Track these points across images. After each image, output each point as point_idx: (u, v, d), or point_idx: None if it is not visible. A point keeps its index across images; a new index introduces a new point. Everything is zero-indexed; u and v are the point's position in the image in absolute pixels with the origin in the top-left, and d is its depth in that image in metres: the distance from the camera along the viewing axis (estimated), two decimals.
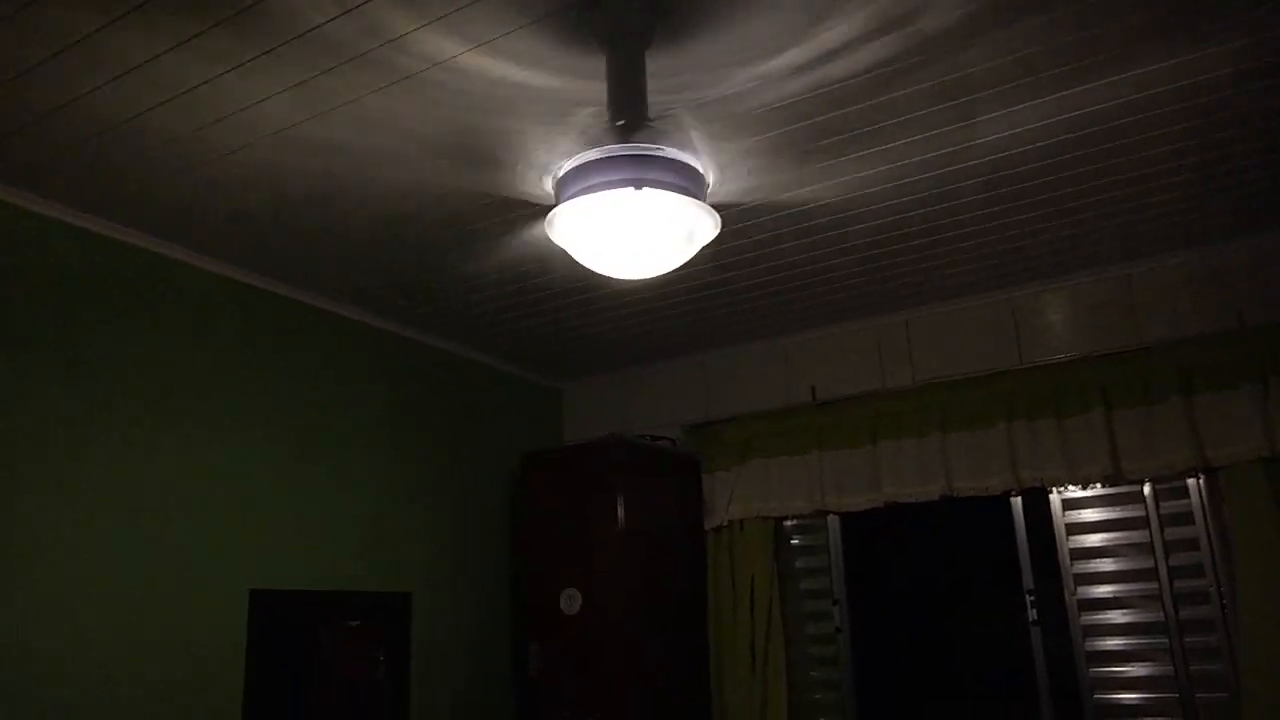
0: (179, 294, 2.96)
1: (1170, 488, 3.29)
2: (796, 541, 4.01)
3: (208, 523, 2.90)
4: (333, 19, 1.92)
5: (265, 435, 3.14)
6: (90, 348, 2.69)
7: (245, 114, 2.24)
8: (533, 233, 2.89)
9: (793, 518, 3.96)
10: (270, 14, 1.89)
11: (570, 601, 3.63)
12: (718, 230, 2.03)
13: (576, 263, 2.15)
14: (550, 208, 1.98)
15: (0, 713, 2.34)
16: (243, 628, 2.94)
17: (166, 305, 2.92)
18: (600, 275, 2.22)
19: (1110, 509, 3.38)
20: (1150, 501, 3.31)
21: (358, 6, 1.88)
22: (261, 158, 2.45)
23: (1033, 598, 3.47)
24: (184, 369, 2.93)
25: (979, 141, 2.50)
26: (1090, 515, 3.42)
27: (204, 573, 2.86)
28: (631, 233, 1.94)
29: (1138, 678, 3.24)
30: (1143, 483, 3.31)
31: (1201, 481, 3.22)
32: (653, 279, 3.13)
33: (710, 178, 2.09)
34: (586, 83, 2.14)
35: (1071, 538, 3.42)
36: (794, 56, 2.09)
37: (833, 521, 3.92)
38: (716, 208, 2.05)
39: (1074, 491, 3.43)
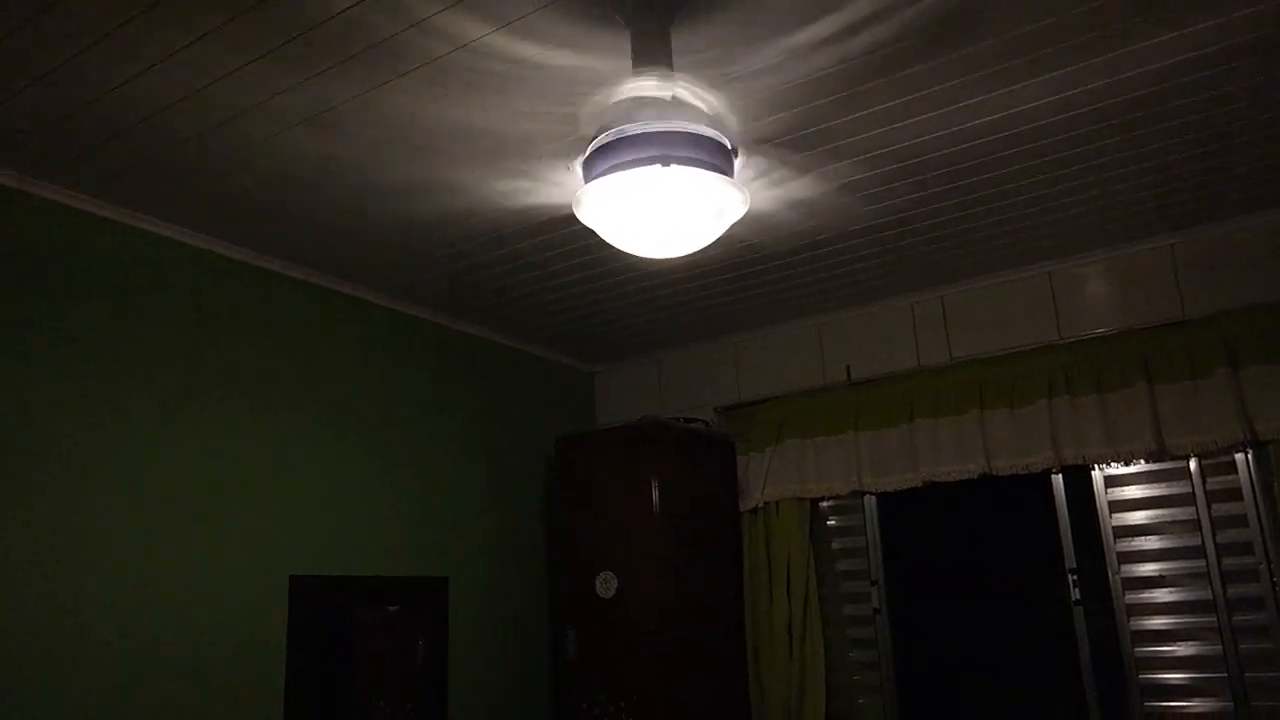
0: (219, 286, 3.00)
1: (1217, 463, 3.21)
2: (833, 522, 3.98)
3: (249, 510, 2.94)
4: (356, 3, 1.91)
5: (305, 423, 3.17)
6: (133, 342, 2.73)
7: (274, 102, 2.25)
8: (563, 215, 2.88)
9: (829, 498, 3.93)
10: (293, 2, 1.89)
11: (606, 585, 3.63)
12: (747, 207, 2.00)
13: (607, 244, 2.14)
14: (578, 188, 1.97)
15: (49, 695, 2.39)
16: (284, 613, 2.98)
17: (208, 298, 2.95)
18: (632, 257, 2.20)
19: (1155, 485, 3.31)
20: (1196, 477, 3.23)
21: None
22: (292, 148, 2.46)
23: (1075, 576, 3.41)
24: (224, 360, 2.96)
25: (1010, 111, 2.44)
26: (1134, 492, 3.35)
27: (245, 559, 2.90)
28: (660, 211, 1.92)
29: (1184, 657, 3.18)
30: (1188, 458, 3.24)
31: (1250, 456, 3.14)
32: (684, 259, 3.10)
33: (738, 154, 2.06)
34: (611, 61, 2.11)
35: (1115, 515, 3.36)
36: (819, 29, 2.05)
37: (869, 502, 3.89)
38: (745, 185, 2.03)
39: (1117, 468, 3.37)
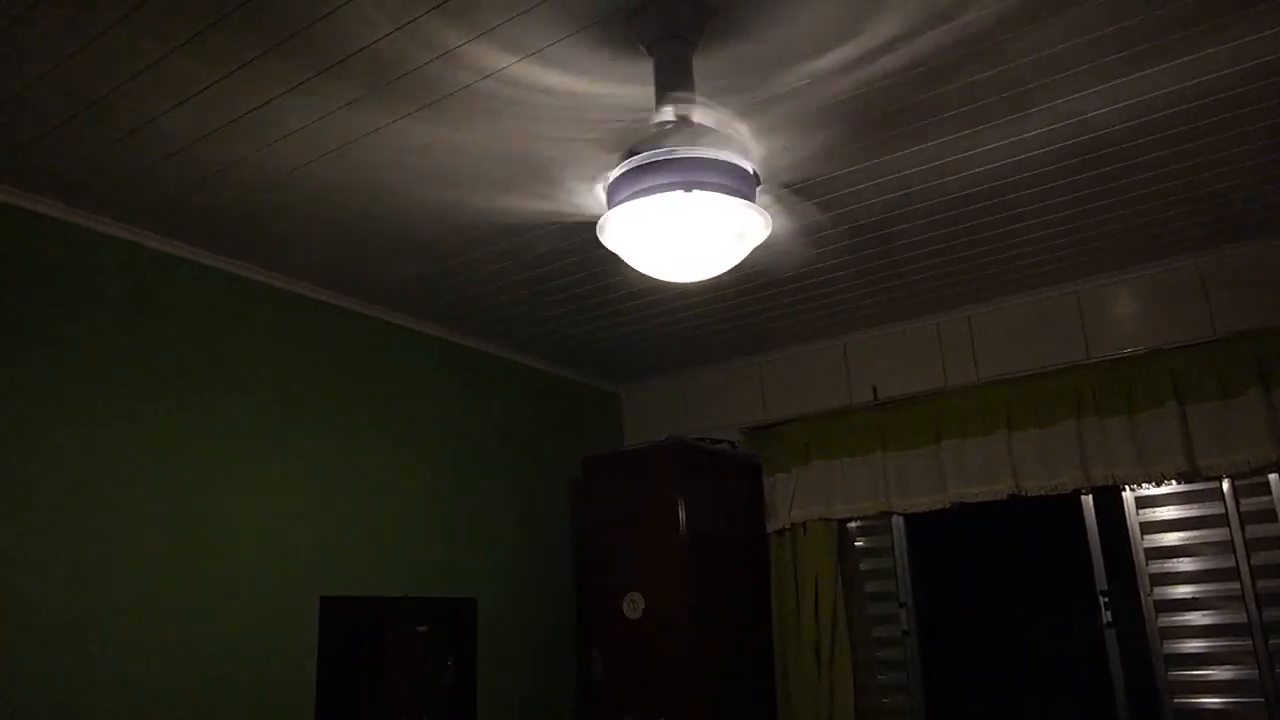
0: (249, 311, 3.06)
1: (1251, 484, 3.17)
2: (861, 544, 3.96)
3: (280, 531, 2.99)
4: (386, 35, 1.96)
5: (334, 445, 3.22)
6: (167, 364, 2.79)
7: (305, 132, 2.30)
8: (587, 239, 2.91)
9: (856, 519, 3.92)
10: (324, 34, 1.94)
11: (633, 606, 3.63)
12: (769, 231, 2.02)
13: (632, 267, 2.17)
14: (602, 214, 2.00)
15: (68, 716, 2.43)
16: (314, 633, 3.01)
17: (240, 322, 3.02)
18: (657, 279, 2.22)
19: (1187, 507, 3.27)
20: (1229, 498, 3.19)
21: (410, 22, 1.92)
22: (322, 175, 2.51)
23: (1106, 599, 3.37)
24: (255, 383, 3.02)
25: (1035, 133, 2.45)
26: (1166, 513, 3.31)
27: (276, 580, 2.94)
28: (683, 236, 1.94)
29: (1220, 681, 3.13)
30: (1221, 479, 3.20)
31: None
32: (709, 281, 3.12)
33: (760, 178, 2.09)
34: (635, 87, 2.15)
35: (1146, 537, 3.32)
36: (842, 54, 2.07)
37: (897, 523, 3.87)
38: (768, 207, 2.05)
39: (1148, 489, 3.33)
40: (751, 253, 2.18)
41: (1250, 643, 3.08)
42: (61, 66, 2.01)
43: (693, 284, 3.26)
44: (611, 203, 1.96)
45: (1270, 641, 3.05)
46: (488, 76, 2.11)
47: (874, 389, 3.89)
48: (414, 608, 3.39)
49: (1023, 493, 3.46)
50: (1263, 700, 3.03)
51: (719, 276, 2.20)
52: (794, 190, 2.68)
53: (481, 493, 3.76)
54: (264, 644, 2.87)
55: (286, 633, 2.94)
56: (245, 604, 2.84)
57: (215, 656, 2.74)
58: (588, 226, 2.81)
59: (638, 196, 1.88)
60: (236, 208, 2.68)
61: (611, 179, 1.97)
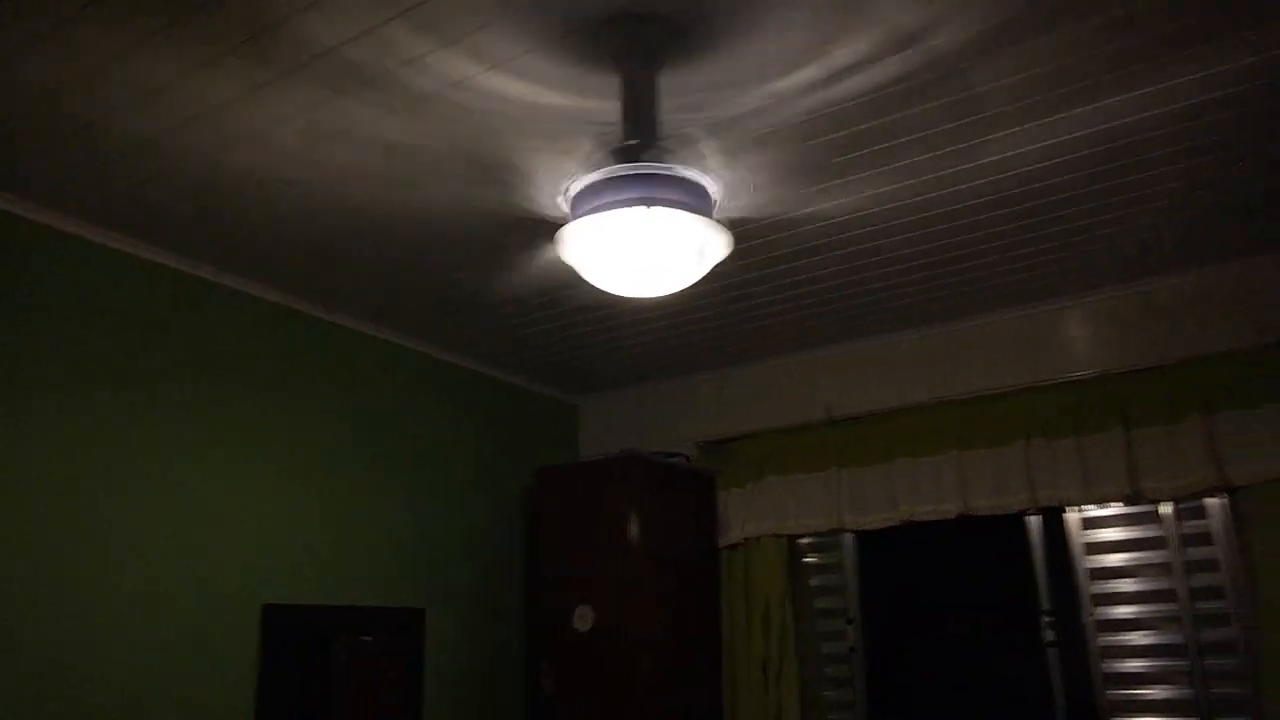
0: (195, 311, 3.00)
1: (1191, 507, 3.25)
2: (812, 560, 3.99)
3: (221, 538, 2.92)
4: (350, 40, 1.94)
5: (279, 450, 3.16)
6: (105, 365, 2.72)
7: (265, 134, 2.27)
8: (548, 251, 2.90)
9: (808, 536, 3.94)
10: (289, 36, 1.92)
11: (583, 619, 3.62)
12: (729, 249, 2.03)
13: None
14: (562, 225, 2.00)
15: None
16: (256, 643, 2.95)
17: (179, 321, 2.95)
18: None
19: (1130, 528, 3.34)
20: (1171, 521, 3.27)
21: (375, 28, 1.91)
22: (280, 177, 2.48)
23: (1049, 618, 3.43)
24: (198, 386, 2.96)
25: (993, 158, 2.50)
26: (1109, 535, 3.37)
27: (217, 587, 2.88)
28: (642, 251, 1.94)
29: (1157, 700, 3.19)
30: (1162, 502, 3.27)
31: (1223, 501, 3.18)
32: (670, 296, 3.14)
33: (721, 197, 2.10)
34: (600, 102, 2.15)
35: (1090, 557, 3.38)
36: (806, 75, 2.10)
37: (848, 540, 3.90)
38: (730, 226, 2.06)
39: (1093, 510, 3.40)
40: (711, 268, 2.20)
41: (1187, 663, 3.15)
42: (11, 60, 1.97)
43: (654, 299, 3.27)
44: (572, 216, 1.96)
45: (1206, 661, 3.13)
46: (453, 85, 2.10)
47: (829, 407, 3.92)
48: (361, 617, 3.34)
49: (971, 512, 3.51)
50: (1197, 719, 3.10)
51: (679, 292, 2.21)
52: (756, 208, 2.70)
53: (434, 501, 3.72)
54: (203, 653, 2.80)
55: (227, 641, 2.88)
56: (184, 612, 2.78)
57: (149, 668, 2.67)
58: (547, 237, 2.80)
59: (598, 210, 1.88)
60: (187, 205, 2.63)
61: (573, 192, 1.97)
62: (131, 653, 2.63)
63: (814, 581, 3.96)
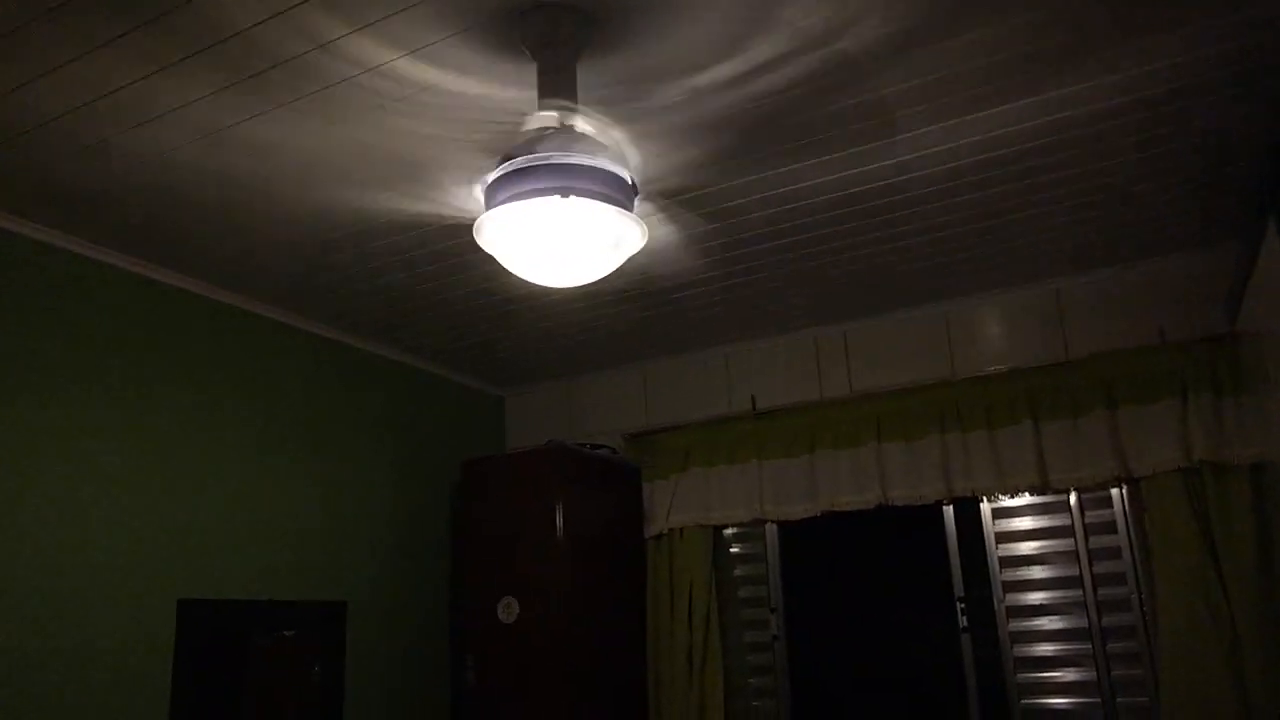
0: (109, 299, 2.91)
1: (1095, 497, 3.38)
2: (736, 550, 4.04)
3: (131, 529, 2.85)
4: (261, 22, 1.91)
5: (194, 439, 3.09)
6: (9, 346, 2.64)
7: (173, 116, 2.22)
8: (468, 240, 2.89)
9: (732, 526, 3.99)
10: (197, 15, 1.88)
11: (508, 610, 3.62)
12: (645, 240, 2.05)
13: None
14: (480, 214, 1.99)
15: None
16: (169, 639, 2.88)
17: (91, 307, 2.87)
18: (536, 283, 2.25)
19: (1039, 518, 3.46)
20: (1076, 511, 3.39)
21: (286, 10, 1.88)
22: (191, 160, 2.42)
23: (963, 605, 3.53)
24: (110, 372, 2.88)
25: (904, 158, 2.56)
26: (1020, 524, 3.49)
27: (127, 581, 2.80)
28: (558, 241, 1.95)
29: (1065, 683, 3.31)
30: (1069, 492, 3.40)
31: (1124, 491, 3.31)
32: (593, 287, 3.14)
33: (638, 188, 2.12)
34: (517, 91, 2.15)
35: (1001, 546, 3.49)
36: (721, 71, 2.13)
37: (771, 530, 3.96)
38: (646, 218, 2.08)
39: (1004, 500, 3.51)
40: (634, 259, 2.22)
41: (1090, 646, 3.28)
42: None
43: (574, 289, 3.28)
44: (489, 205, 1.96)
45: (1108, 645, 3.26)
46: (368, 70, 2.07)
47: (753, 399, 3.97)
48: (281, 612, 3.29)
49: (889, 502, 3.59)
50: (1099, 700, 3.23)
51: (600, 283, 2.22)
52: (676, 201, 2.73)
53: (357, 493, 3.68)
54: (112, 650, 2.72)
55: (138, 638, 2.80)
56: (91, 606, 2.70)
57: (55, 662, 2.58)
58: (468, 227, 2.78)
59: (514, 200, 1.88)
60: (100, 191, 2.55)
61: (490, 181, 1.97)
62: (33, 651, 2.54)
63: (738, 571, 4.02)
